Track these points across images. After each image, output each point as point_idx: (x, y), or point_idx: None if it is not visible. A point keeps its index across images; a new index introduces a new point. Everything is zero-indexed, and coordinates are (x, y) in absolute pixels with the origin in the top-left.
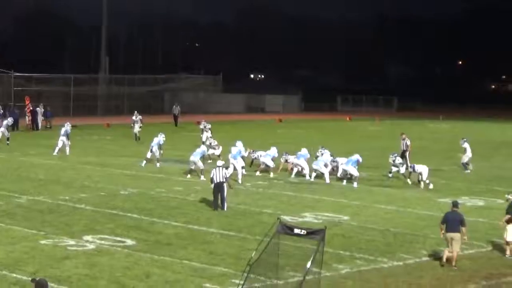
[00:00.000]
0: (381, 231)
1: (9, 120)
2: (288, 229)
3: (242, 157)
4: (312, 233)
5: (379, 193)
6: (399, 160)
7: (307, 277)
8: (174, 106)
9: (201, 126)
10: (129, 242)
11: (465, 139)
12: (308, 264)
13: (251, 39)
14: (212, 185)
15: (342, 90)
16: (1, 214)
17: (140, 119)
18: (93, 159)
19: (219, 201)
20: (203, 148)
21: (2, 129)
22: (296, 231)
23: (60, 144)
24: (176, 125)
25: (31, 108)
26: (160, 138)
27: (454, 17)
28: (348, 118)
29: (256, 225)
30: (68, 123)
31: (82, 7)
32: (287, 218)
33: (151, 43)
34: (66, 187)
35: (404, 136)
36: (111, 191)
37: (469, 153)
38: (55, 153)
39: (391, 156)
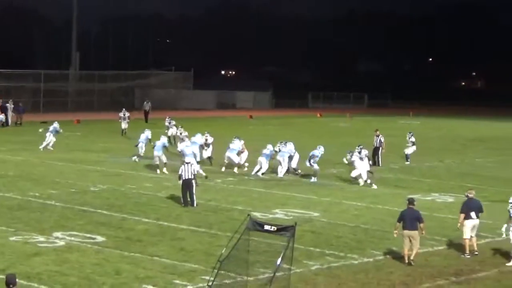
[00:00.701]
0: (352, 228)
1: None
2: (258, 226)
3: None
4: (282, 229)
5: (350, 190)
6: (364, 152)
7: (277, 274)
8: (145, 103)
9: (166, 123)
10: (99, 238)
11: (411, 133)
12: (278, 261)
13: (222, 35)
14: (181, 182)
15: (313, 87)
16: None
17: (128, 116)
18: (63, 155)
19: (188, 198)
20: (163, 140)
21: None
22: (266, 227)
23: (48, 139)
24: (146, 121)
25: (0, 104)
26: (147, 134)
27: (427, 14)
28: (319, 115)
29: (227, 222)
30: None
31: (53, 1)
32: (257, 215)
33: (122, 39)
34: (36, 183)
35: (378, 132)
36: (82, 188)
37: (414, 147)
38: (41, 148)
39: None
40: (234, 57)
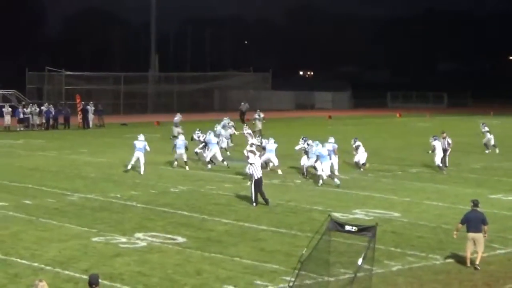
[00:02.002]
0: (432, 228)
1: None
2: (339, 226)
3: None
4: (363, 230)
5: (430, 190)
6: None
7: (358, 274)
8: (242, 103)
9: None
10: (180, 239)
11: (484, 124)
12: (360, 261)
13: (300, 36)
14: (252, 183)
15: (392, 86)
16: (54, 212)
17: (263, 117)
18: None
19: (260, 197)
20: (182, 139)
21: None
22: (347, 228)
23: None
24: (243, 122)
25: (81, 106)
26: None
27: (506, 12)
28: (398, 115)
29: (307, 222)
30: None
31: (132, 4)
32: (337, 215)
33: (200, 40)
34: (117, 184)
35: (444, 135)
36: (162, 189)
37: (491, 136)
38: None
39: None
40: (313, 57)
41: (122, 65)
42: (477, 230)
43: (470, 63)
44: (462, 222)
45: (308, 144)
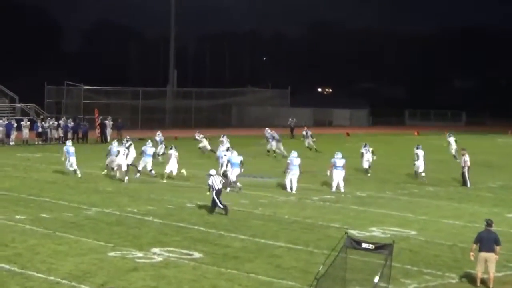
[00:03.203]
0: (449, 246)
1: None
2: (356, 243)
3: None
4: (380, 247)
5: (446, 208)
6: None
7: None
8: (290, 119)
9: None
10: (196, 254)
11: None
12: (376, 279)
13: (319, 52)
14: (213, 193)
15: (410, 104)
16: (70, 226)
17: (311, 135)
18: (159, 171)
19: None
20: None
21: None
22: (364, 245)
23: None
24: (292, 137)
25: (99, 121)
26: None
27: None
28: (416, 132)
29: (323, 239)
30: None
31: (151, 19)
32: (354, 233)
33: (218, 56)
34: (133, 199)
35: (464, 152)
36: (178, 204)
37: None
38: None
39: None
40: (331, 74)
41: (140, 80)
42: (490, 250)
43: (487, 80)
44: (476, 242)
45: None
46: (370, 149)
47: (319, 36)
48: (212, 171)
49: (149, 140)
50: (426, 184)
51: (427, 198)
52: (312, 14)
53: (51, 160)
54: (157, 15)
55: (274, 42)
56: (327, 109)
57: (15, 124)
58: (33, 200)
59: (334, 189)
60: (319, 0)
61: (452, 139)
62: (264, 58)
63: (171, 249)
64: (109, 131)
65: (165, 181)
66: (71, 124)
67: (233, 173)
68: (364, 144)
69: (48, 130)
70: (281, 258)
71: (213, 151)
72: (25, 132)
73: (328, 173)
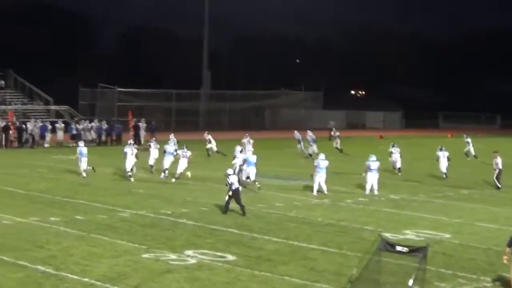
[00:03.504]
0: (484, 250)
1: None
2: (389, 246)
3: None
4: (414, 250)
5: (481, 211)
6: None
7: None
8: (330, 122)
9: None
10: (230, 257)
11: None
12: (410, 282)
13: (352, 55)
14: (230, 193)
15: (444, 107)
16: (105, 227)
17: (338, 135)
18: (193, 173)
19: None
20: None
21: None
22: (398, 248)
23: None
24: (330, 139)
25: (133, 123)
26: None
27: None
28: (449, 135)
29: (357, 242)
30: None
31: (184, 21)
32: (388, 235)
33: (252, 58)
34: (167, 201)
35: (496, 154)
36: (212, 206)
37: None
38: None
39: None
40: (364, 76)
41: (174, 82)
42: None
43: None
44: (509, 245)
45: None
46: (398, 149)
47: (353, 39)
48: (229, 171)
49: (170, 139)
50: (460, 187)
51: (462, 201)
52: (346, 17)
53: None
54: (191, 17)
55: (308, 45)
56: (360, 111)
57: (50, 126)
58: (68, 202)
59: (368, 191)
60: (353, 3)
61: (469, 140)
62: (298, 61)
63: (205, 251)
64: (142, 133)
65: (173, 180)
66: (104, 126)
67: (250, 173)
68: (392, 143)
69: (82, 132)
70: (315, 261)
71: (220, 152)
72: (60, 134)
73: (364, 175)
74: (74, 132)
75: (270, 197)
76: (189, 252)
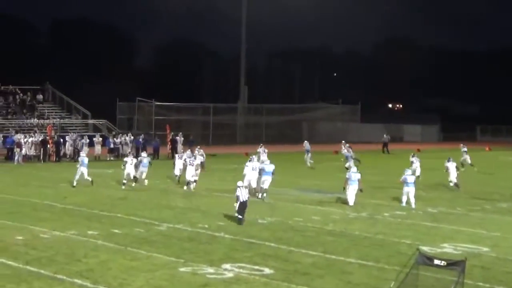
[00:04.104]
0: None
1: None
2: (427, 260)
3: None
4: (452, 264)
5: None
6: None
7: None
8: (385, 135)
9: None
10: (267, 270)
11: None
12: None
13: (389, 68)
14: (237, 204)
15: (481, 120)
16: (142, 241)
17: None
18: (231, 187)
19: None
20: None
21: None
22: (436, 262)
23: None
24: (383, 152)
25: (171, 137)
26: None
27: None
28: (487, 148)
29: (394, 255)
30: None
31: (221, 36)
32: (425, 249)
33: (288, 72)
34: (204, 215)
35: None
36: (249, 220)
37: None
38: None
39: None
40: (401, 90)
41: (211, 96)
42: None
43: None
44: None
45: None
46: (418, 159)
47: (390, 52)
48: (239, 183)
49: (189, 152)
50: (497, 200)
51: (500, 214)
52: (383, 30)
53: (123, 176)
54: (228, 32)
55: (345, 58)
56: (398, 125)
57: (87, 140)
58: (105, 215)
59: (404, 204)
60: (390, 17)
61: (465, 149)
62: (335, 74)
63: (242, 265)
64: (180, 147)
65: (185, 188)
66: (142, 140)
67: (265, 182)
68: (412, 154)
69: (120, 146)
70: (352, 274)
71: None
72: (97, 148)
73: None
74: (112, 146)
75: (307, 210)
76: (227, 266)
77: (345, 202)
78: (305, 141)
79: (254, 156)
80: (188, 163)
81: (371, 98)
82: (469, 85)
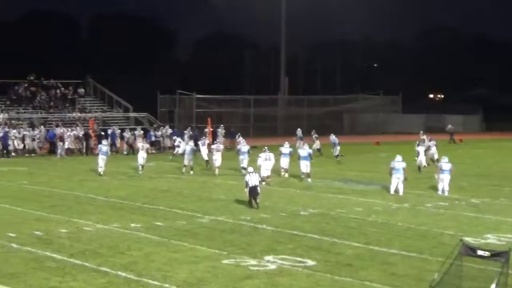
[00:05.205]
0: None
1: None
2: (471, 251)
3: None
4: (496, 255)
5: None
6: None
7: None
8: (450, 126)
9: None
10: (310, 262)
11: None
12: (492, 287)
13: (430, 58)
14: (247, 189)
15: None
16: (185, 233)
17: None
18: (272, 178)
19: (254, 203)
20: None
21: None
22: (480, 252)
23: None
24: (450, 141)
25: (211, 129)
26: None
27: None
28: None
29: (437, 246)
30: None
31: (261, 27)
32: (469, 240)
33: (329, 63)
34: (246, 207)
35: None
36: (292, 212)
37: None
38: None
39: None
40: (443, 80)
41: (251, 88)
42: None
43: None
44: None
45: None
46: (435, 142)
47: (430, 42)
48: (250, 169)
49: (243, 140)
50: None
51: None
52: (424, 20)
53: (164, 169)
54: (268, 24)
55: (385, 49)
56: (439, 115)
57: (128, 134)
58: (148, 208)
59: (440, 192)
60: (431, 7)
61: (432, 143)
62: (375, 65)
63: (285, 256)
64: (221, 139)
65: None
66: (190, 133)
67: (302, 165)
68: (429, 138)
69: (161, 138)
70: (395, 266)
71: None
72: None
73: (436, 177)
74: (153, 139)
75: (350, 201)
76: (269, 258)
77: (396, 191)
78: (331, 135)
79: (266, 147)
80: (215, 149)
81: (412, 88)
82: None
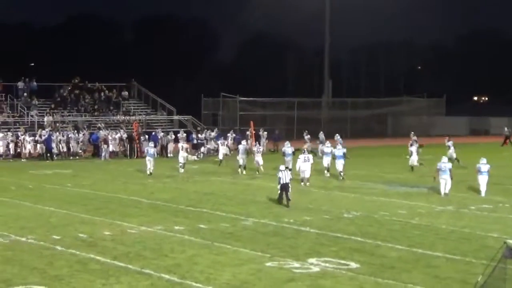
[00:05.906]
0: None
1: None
2: None
3: None
4: None
5: None
6: None
7: None
8: (506, 128)
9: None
10: (353, 265)
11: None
12: None
13: (474, 61)
14: (279, 186)
15: None
16: (228, 236)
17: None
18: (315, 182)
19: (285, 199)
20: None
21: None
22: None
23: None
24: (503, 144)
25: (254, 131)
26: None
27: None
28: None
29: (481, 249)
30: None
31: (305, 30)
32: None
33: (373, 65)
34: (290, 209)
35: None
36: (335, 214)
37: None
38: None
39: None
40: (487, 82)
41: (295, 91)
42: None
43: None
44: None
45: None
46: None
47: (474, 44)
48: (282, 167)
49: (287, 142)
50: None
51: None
52: (467, 21)
53: (208, 172)
54: (312, 27)
55: (429, 51)
56: (484, 117)
57: (173, 136)
58: (191, 211)
59: (483, 194)
60: (475, 9)
61: (450, 143)
62: (419, 67)
63: (328, 259)
64: (263, 142)
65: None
66: (233, 135)
67: (338, 165)
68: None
69: (204, 141)
70: (439, 269)
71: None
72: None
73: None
74: (195, 141)
75: (393, 204)
76: (312, 260)
77: (438, 192)
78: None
79: (305, 149)
80: (256, 151)
81: (456, 91)
82: None
